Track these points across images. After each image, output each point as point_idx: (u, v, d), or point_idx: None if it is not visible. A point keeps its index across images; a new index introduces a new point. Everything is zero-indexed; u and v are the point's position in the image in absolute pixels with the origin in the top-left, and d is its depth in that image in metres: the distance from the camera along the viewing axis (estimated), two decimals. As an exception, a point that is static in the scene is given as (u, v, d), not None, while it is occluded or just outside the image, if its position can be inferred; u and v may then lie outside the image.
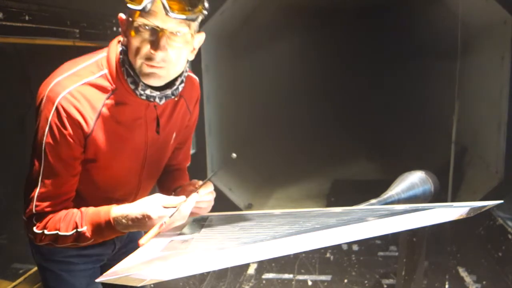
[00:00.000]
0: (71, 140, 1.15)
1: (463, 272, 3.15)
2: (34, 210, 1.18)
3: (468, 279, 3.06)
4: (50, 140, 1.15)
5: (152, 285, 1.58)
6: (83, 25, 2.67)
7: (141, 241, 1.08)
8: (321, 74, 7.52)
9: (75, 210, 1.20)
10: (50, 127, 1.14)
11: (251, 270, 3.26)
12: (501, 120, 3.92)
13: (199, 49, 1.25)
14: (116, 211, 1.16)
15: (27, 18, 2.23)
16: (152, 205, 1.13)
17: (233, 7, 4.21)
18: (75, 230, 1.17)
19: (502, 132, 3.91)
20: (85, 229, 1.16)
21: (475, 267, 3.21)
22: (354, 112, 7.42)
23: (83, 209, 1.20)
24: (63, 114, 1.13)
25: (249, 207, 4.35)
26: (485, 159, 4.38)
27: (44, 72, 1.23)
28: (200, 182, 1.25)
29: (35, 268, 2.14)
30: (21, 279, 2.58)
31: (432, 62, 6.30)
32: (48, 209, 1.18)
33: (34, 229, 1.19)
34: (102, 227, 1.16)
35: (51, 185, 1.17)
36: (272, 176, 5.29)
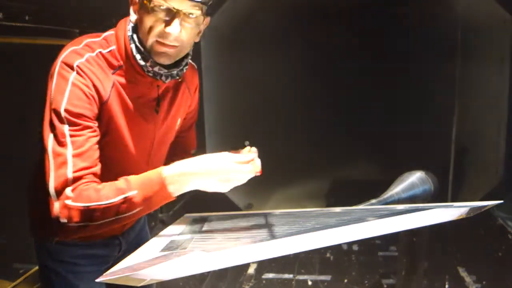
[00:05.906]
0: (92, 99, 1.14)
1: (463, 272, 3.15)
2: (70, 174, 1.07)
3: (468, 279, 3.06)
4: (74, 99, 1.11)
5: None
6: (83, 25, 2.67)
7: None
8: (321, 74, 7.52)
9: (110, 182, 1.12)
10: (72, 88, 1.12)
11: (251, 270, 3.26)
12: (501, 120, 3.93)
13: (199, 49, 1.28)
14: (169, 170, 1.11)
15: (27, 18, 2.23)
16: (225, 159, 1.15)
17: (233, 7, 4.21)
18: (122, 196, 1.07)
19: (502, 132, 3.92)
20: (135, 193, 1.08)
21: (475, 267, 3.21)
22: (354, 112, 7.40)
23: (122, 178, 1.12)
24: (84, 76, 1.14)
25: (249, 207, 4.35)
26: (485, 159, 4.39)
27: (44, 72, 1.22)
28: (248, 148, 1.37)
29: (35, 268, 2.14)
30: (21, 279, 2.58)
31: (432, 62, 6.30)
32: (85, 171, 1.09)
33: (68, 202, 1.06)
34: (154, 189, 1.09)
35: (83, 140, 1.11)
36: (272, 176, 5.28)
